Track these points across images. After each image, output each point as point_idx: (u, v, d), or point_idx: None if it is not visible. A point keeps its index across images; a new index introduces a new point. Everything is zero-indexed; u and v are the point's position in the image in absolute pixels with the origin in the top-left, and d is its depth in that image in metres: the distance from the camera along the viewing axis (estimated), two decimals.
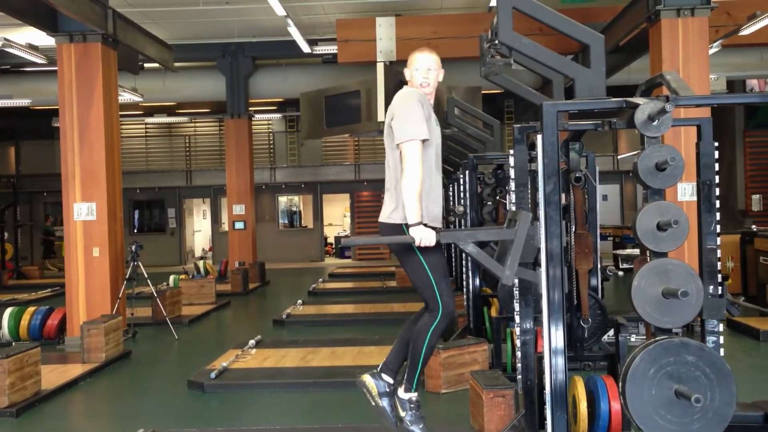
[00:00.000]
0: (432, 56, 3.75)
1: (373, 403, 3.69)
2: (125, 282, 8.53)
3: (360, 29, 10.66)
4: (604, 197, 19.39)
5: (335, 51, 11.44)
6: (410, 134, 3.43)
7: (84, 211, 8.15)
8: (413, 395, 3.65)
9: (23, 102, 14.51)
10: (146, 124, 21.37)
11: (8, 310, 8.44)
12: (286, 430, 4.79)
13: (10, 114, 17.65)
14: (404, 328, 3.81)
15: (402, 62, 10.54)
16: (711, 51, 9.18)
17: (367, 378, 3.71)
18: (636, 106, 3.12)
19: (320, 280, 14.66)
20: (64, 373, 6.61)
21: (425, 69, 3.72)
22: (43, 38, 9.34)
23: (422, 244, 3.34)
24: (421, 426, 3.65)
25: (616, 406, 3.95)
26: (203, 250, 22.57)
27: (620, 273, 13.13)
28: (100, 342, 7.09)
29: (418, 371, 3.63)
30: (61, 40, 8.21)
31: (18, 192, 17.72)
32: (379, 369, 3.73)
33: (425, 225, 3.48)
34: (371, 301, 11.28)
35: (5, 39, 9.22)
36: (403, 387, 3.68)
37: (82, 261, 8.14)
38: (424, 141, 3.48)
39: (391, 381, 3.68)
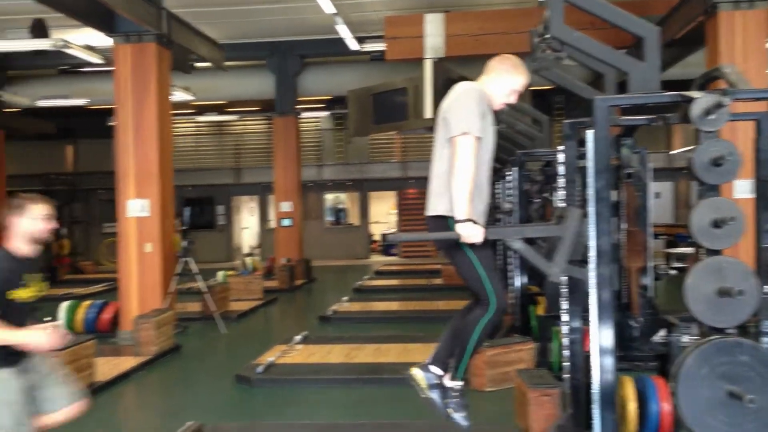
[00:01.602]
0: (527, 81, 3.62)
1: (423, 396, 3.68)
2: (176, 277, 8.70)
3: (408, 26, 10.64)
4: (657, 195, 18.93)
5: (383, 48, 11.44)
6: (465, 128, 3.37)
7: (138, 208, 8.32)
8: (458, 383, 3.62)
9: (80, 101, 14.89)
10: (197, 122, 21.75)
11: (64, 304, 8.68)
12: (331, 426, 4.82)
13: (68, 113, 18.14)
14: (453, 321, 3.78)
15: (451, 59, 10.51)
16: None
17: (415, 371, 3.70)
18: (692, 99, 3.05)
19: (366, 277, 14.71)
20: (116, 366, 6.77)
21: (517, 92, 3.58)
22: (100, 39, 9.58)
23: (469, 241, 3.30)
24: (463, 414, 3.62)
25: (666, 406, 3.86)
26: (251, 246, 22.87)
27: (672, 272, 12.81)
28: (151, 336, 7.25)
29: (464, 362, 3.60)
30: (118, 41, 8.40)
31: (75, 189, 18.21)
32: (427, 361, 3.72)
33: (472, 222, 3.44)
34: (416, 299, 11.27)
35: (64, 40, 9.47)
36: (451, 376, 3.65)
37: (135, 256, 8.32)
38: (478, 138, 3.42)
39: (440, 373, 3.66)
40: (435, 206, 3.53)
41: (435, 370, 3.67)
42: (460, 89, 3.54)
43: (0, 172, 15.66)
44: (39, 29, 9.92)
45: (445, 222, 3.46)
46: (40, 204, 3.41)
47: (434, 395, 3.64)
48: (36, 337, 3.13)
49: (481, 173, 3.50)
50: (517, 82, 3.54)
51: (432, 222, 3.55)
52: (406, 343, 7.33)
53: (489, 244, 3.59)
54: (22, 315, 3.33)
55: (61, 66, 14.84)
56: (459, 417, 3.61)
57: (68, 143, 21.54)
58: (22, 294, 3.30)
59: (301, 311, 11.49)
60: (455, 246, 3.48)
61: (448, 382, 3.63)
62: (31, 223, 3.35)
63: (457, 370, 3.62)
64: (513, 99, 3.59)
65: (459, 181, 3.31)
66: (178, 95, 13.42)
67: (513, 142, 8.59)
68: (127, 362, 6.95)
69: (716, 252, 3.02)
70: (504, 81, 3.53)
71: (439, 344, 3.76)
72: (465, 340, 3.56)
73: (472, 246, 3.42)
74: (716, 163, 3.00)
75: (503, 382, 5.63)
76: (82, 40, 10.57)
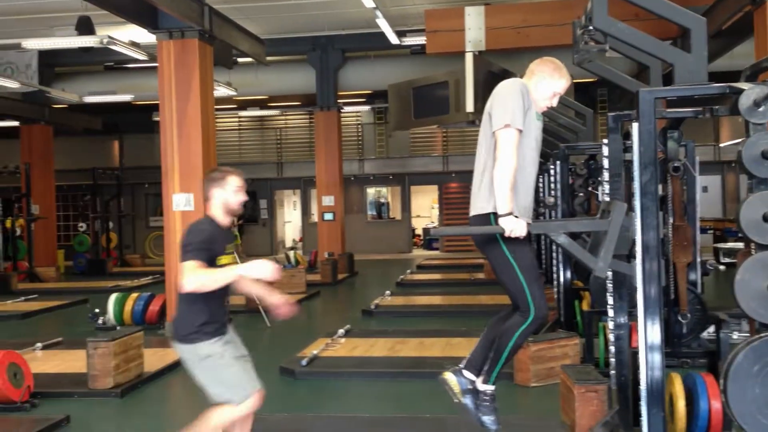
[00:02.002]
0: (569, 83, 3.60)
1: (456, 401, 3.67)
2: None
3: (449, 19, 10.60)
4: (705, 189, 18.54)
5: (423, 42, 11.42)
6: (506, 121, 3.35)
7: (182, 202, 8.46)
8: (490, 387, 3.60)
9: (126, 97, 15.20)
10: (239, 117, 22.00)
11: (113, 296, 8.88)
12: (374, 419, 4.85)
13: (114, 109, 18.53)
14: (489, 326, 3.74)
15: (491, 52, 10.44)
16: None
17: (449, 375, 3.68)
18: (740, 91, 2.98)
19: (408, 271, 14.72)
20: (164, 357, 6.89)
21: (558, 96, 3.56)
22: (143, 36, 9.75)
23: (512, 235, 3.28)
24: (492, 418, 3.59)
25: (716, 404, 3.80)
26: (293, 240, 23.08)
27: (721, 267, 12.55)
28: None
29: (498, 367, 3.57)
30: (161, 37, 8.55)
31: (122, 184, 18.62)
32: (461, 366, 3.70)
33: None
34: (459, 293, 11.24)
35: (109, 37, 9.66)
36: (481, 378, 3.63)
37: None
38: (520, 132, 3.39)
39: (474, 378, 3.64)
40: (476, 205, 3.51)
41: (468, 375, 3.64)
42: (503, 85, 3.52)
43: (49, 167, 16.13)
44: (85, 26, 10.15)
45: (488, 220, 3.44)
46: (236, 176, 3.57)
47: (467, 401, 3.62)
48: (259, 266, 3.19)
49: (525, 168, 3.47)
50: (559, 85, 3.52)
51: (475, 221, 3.52)
52: (450, 338, 7.32)
53: (529, 247, 3.55)
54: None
55: (107, 62, 15.18)
56: (489, 421, 3.59)
57: (114, 138, 22.01)
58: (224, 260, 3.44)
59: (344, 305, 11.57)
60: (495, 248, 3.44)
61: (480, 385, 3.61)
62: (230, 195, 3.51)
63: (490, 375, 3.59)
64: (555, 102, 3.57)
65: (501, 173, 3.29)
66: (221, 90, 13.59)
67: (556, 136, 8.51)
68: (174, 354, 7.01)
69: (767, 247, 2.95)
70: (546, 84, 3.51)
71: (474, 349, 3.73)
72: (502, 347, 3.52)
73: (512, 249, 3.38)
74: (766, 156, 2.93)
75: (548, 377, 5.59)
76: (127, 36, 10.78)
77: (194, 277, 3.18)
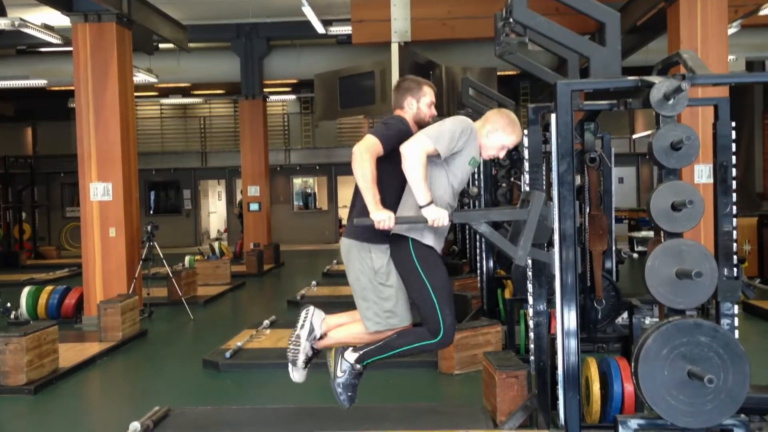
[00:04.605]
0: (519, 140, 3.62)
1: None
2: (141, 262, 8.60)
3: (374, 9, 10.58)
4: (620, 180, 19.25)
5: (350, 31, 11.37)
6: (431, 135, 3.29)
7: (100, 191, 8.20)
8: (357, 365, 3.53)
9: (39, 83, 14.57)
10: (161, 105, 21.42)
11: (26, 290, 8.54)
12: (299, 409, 4.82)
13: (27, 95, 17.76)
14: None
15: (417, 43, 10.48)
16: (730, 31, 9.03)
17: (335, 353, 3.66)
18: (651, 84, 3.09)
19: (334, 261, 14.68)
20: (81, 352, 6.69)
21: (506, 149, 3.56)
22: (58, 18, 9.36)
23: (436, 224, 3.30)
24: (349, 394, 3.55)
25: (629, 387, 3.95)
26: (218, 231, 22.69)
27: (635, 255, 13.06)
28: (116, 321, 7.17)
29: (377, 358, 3.51)
30: (76, 20, 8.23)
31: (35, 173, 17.86)
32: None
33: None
34: None
35: (21, 19, 9.22)
36: (356, 354, 3.53)
37: (99, 241, 8.21)
38: (437, 154, 3.33)
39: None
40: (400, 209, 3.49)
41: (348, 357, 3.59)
42: (454, 118, 3.47)
43: None
44: None
45: (406, 243, 3.42)
46: (431, 89, 3.60)
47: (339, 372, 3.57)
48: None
49: (442, 199, 3.43)
50: (509, 140, 3.54)
51: (393, 242, 3.48)
52: None
53: (443, 268, 3.54)
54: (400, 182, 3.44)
55: (18, 46, 14.48)
56: (344, 395, 3.55)
57: (27, 125, 21.08)
58: None
59: (269, 296, 11.46)
60: (409, 268, 3.41)
61: (351, 358, 3.54)
62: (423, 106, 3.52)
63: (365, 358, 3.52)
64: (502, 154, 3.58)
65: (411, 168, 3.24)
66: (141, 77, 13.19)
67: None
68: (92, 348, 6.87)
69: (675, 235, 3.08)
70: (497, 137, 3.51)
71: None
72: (393, 345, 3.47)
73: (427, 271, 3.38)
74: (675, 147, 3.05)
75: (471, 365, 5.70)
76: (40, 19, 10.32)
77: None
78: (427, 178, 3.33)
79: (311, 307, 3.75)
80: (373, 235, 3.44)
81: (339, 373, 3.54)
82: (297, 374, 3.74)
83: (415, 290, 3.45)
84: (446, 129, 3.35)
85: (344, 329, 3.66)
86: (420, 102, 3.54)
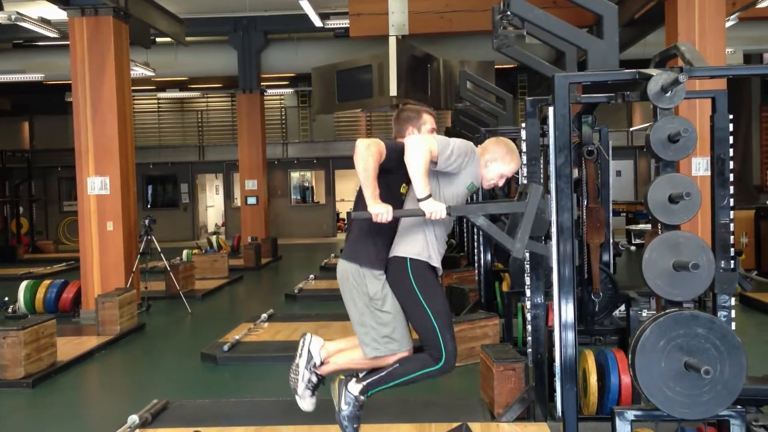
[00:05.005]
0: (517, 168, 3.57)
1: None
2: (139, 256, 8.60)
3: (372, 2, 10.56)
4: (618, 173, 19.26)
5: (347, 25, 11.35)
6: (439, 143, 3.27)
7: (97, 185, 8.20)
8: (363, 398, 3.52)
9: (36, 77, 14.54)
10: (159, 99, 21.38)
11: (24, 284, 8.54)
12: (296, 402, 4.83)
13: (24, 89, 17.70)
14: None
15: (415, 36, 10.47)
16: (728, 24, 9.03)
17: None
18: (649, 77, 3.09)
19: (332, 255, 14.70)
20: (79, 346, 6.69)
21: (504, 177, 3.52)
22: (55, 12, 9.33)
23: (434, 217, 3.30)
24: (355, 426, 3.51)
25: (626, 379, 3.96)
26: (216, 225, 22.69)
27: (633, 248, 13.08)
28: (114, 315, 7.17)
29: (381, 388, 3.49)
30: (73, 14, 8.20)
31: (32, 167, 17.82)
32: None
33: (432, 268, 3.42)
34: None
35: (18, 13, 9.21)
36: (359, 385, 3.51)
37: (96, 235, 8.21)
38: (434, 161, 3.29)
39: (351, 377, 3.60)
40: (395, 248, 3.45)
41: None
42: (461, 140, 3.44)
43: None
44: None
45: (404, 264, 3.41)
46: (431, 116, 3.63)
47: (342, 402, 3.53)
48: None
49: (442, 228, 3.44)
50: (508, 168, 3.50)
51: (392, 263, 3.45)
52: None
53: (442, 290, 3.52)
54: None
55: (15, 40, 14.44)
56: (349, 427, 3.51)
57: (24, 119, 21.03)
58: (404, 189, 3.50)
59: (267, 289, 11.46)
60: (408, 289, 3.39)
61: (354, 390, 3.51)
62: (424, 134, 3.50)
63: (370, 388, 3.50)
64: (501, 183, 3.55)
65: (414, 158, 3.21)
66: (138, 71, 13.17)
67: (477, 120, 8.64)
68: (90, 342, 6.87)
69: (673, 227, 3.08)
70: (496, 166, 3.48)
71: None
72: (397, 374, 3.44)
73: (425, 294, 3.36)
74: (672, 139, 3.05)
75: (469, 357, 5.71)
76: (37, 12, 10.29)
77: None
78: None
79: (308, 335, 3.70)
80: (368, 260, 3.42)
81: (343, 406, 3.51)
82: (303, 402, 3.67)
83: (415, 315, 3.41)
84: (452, 143, 3.33)
85: (344, 355, 3.63)
86: (421, 130, 3.53)
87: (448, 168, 3.34)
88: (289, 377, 3.70)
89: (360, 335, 3.49)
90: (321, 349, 3.67)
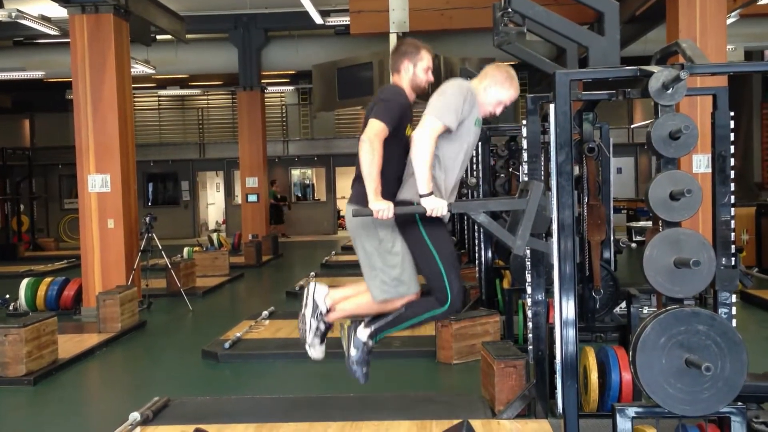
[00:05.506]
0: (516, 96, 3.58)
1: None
2: (140, 253, 8.61)
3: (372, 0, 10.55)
4: (619, 170, 19.25)
5: (348, 22, 11.34)
6: (437, 114, 3.28)
7: (98, 183, 8.20)
8: (372, 342, 3.56)
9: (37, 74, 14.53)
10: (159, 96, 21.37)
11: (25, 281, 8.54)
12: (298, 399, 4.84)
13: (25, 86, 17.70)
14: None
15: (415, 33, 10.45)
16: (729, 21, 9.02)
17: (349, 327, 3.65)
18: (650, 74, 3.08)
19: (333, 252, 14.71)
20: (80, 343, 6.70)
21: (502, 105, 3.52)
22: (55, 9, 9.33)
23: (434, 214, 3.29)
24: (364, 370, 3.57)
25: (626, 376, 3.96)
26: (217, 222, 22.69)
27: (633, 245, 13.09)
28: (115, 312, 7.18)
29: (390, 331, 3.53)
30: (73, 11, 8.20)
31: (33, 164, 17.83)
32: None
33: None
34: None
35: (18, 10, 9.20)
36: (368, 330, 3.54)
37: (97, 232, 8.21)
38: (447, 130, 3.31)
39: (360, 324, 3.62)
40: (404, 190, 3.45)
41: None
42: (451, 84, 3.44)
43: None
44: None
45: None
46: (429, 53, 3.51)
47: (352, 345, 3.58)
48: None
49: (454, 170, 3.42)
50: (506, 95, 3.48)
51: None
52: None
53: (448, 235, 3.54)
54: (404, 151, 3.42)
55: (16, 38, 14.43)
56: (358, 370, 3.57)
57: (24, 117, 21.03)
58: (407, 132, 3.42)
59: (268, 287, 11.47)
60: (415, 235, 3.40)
61: (363, 335, 3.55)
62: (420, 71, 3.46)
63: (377, 333, 3.53)
64: (499, 110, 3.53)
65: (420, 153, 3.22)
66: (139, 68, 13.16)
67: None
68: (91, 339, 6.88)
69: (674, 224, 3.08)
70: (495, 91, 3.46)
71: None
72: (404, 317, 3.47)
73: (431, 234, 3.37)
74: (673, 136, 3.05)
75: (469, 354, 5.72)
76: (38, 10, 10.28)
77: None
78: (440, 149, 3.33)
79: (312, 283, 3.73)
80: None
81: (352, 351, 3.56)
82: (312, 351, 3.73)
83: (421, 259, 3.43)
84: (449, 101, 3.31)
85: (351, 301, 3.63)
86: (417, 67, 3.46)
87: (463, 120, 3.35)
88: (297, 327, 3.72)
89: (369, 279, 3.48)
90: (326, 297, 3.67)
